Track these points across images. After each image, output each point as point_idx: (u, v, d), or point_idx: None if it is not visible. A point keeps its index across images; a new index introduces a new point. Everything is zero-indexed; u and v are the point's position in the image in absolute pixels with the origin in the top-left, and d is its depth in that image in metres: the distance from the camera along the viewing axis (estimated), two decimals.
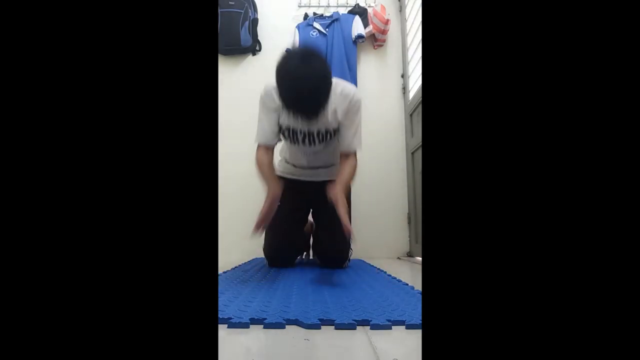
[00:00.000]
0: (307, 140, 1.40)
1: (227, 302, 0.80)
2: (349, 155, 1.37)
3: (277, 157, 1.64)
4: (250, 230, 1.33)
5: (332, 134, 1.40)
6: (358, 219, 1.74)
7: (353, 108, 1.33)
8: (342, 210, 1.18)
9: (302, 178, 1.55)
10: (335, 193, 1.21)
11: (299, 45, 1.18)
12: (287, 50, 1.16)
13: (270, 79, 1.33)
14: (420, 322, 0.65)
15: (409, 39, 2.28)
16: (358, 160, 1.39)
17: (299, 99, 1.09)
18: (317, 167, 1.53)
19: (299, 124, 1.35)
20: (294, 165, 1.55)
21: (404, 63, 2.35)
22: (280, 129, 1.41)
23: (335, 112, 1.33)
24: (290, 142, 1.43)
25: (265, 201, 1.29)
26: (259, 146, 1.40)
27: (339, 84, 1.32)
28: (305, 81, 1.04)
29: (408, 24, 2.28)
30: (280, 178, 1.59)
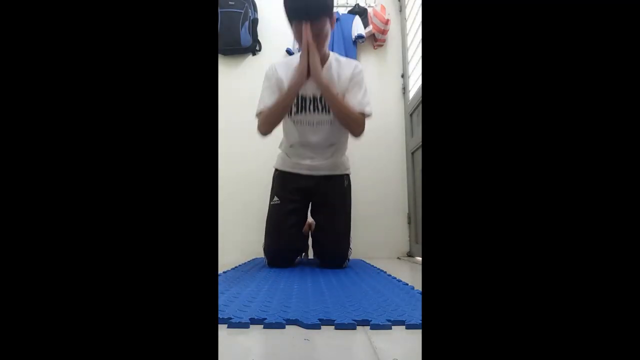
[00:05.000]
0: (312, 106, 1.46)
1: (227, 302, 0.80)
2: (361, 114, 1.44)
3: (277, 151, 1.65)
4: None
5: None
6: (358, 219, 1.74)
7: (357, 74, 1.47)
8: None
9: (302, 172, 1.55)
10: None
11: None
12: None
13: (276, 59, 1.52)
14: (420, 322, 0.65)
15: (409, 39, 2.27)
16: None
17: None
18: (319, 150, 1.53)
19: (306, 89, 1.44)
20: (295, 156, 1.56)
21: (404, 63, 2.35)
22: None
23: (338, 77, 1.45)
24: (297, 111, 1.47)
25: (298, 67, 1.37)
26: (260, 113, 1.46)
27: (340, 56, 1.52)
28: None
29: (408, 24, 2.28)
30: (280, 172, 1.59)
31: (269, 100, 1.43)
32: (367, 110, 1.44)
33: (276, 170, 1.62)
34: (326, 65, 1.45)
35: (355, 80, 1.46)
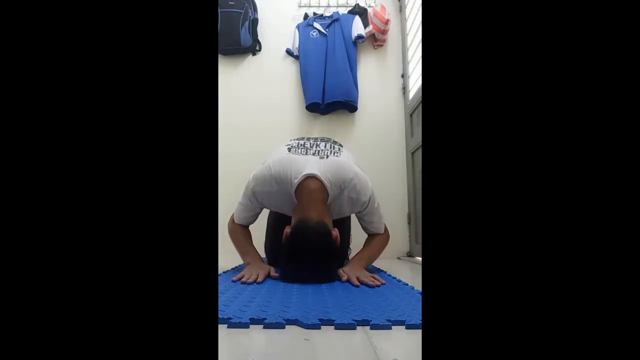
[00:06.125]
0: None
1: (227, 302, 0.80)
2: (378, 233, 1.34)
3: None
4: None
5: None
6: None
7: (366, 208, 1.26)
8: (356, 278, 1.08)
9: None
10: (349, 276, 1.09)
11: (302, 227, 1.09)
12: (295, 230, 1.09)
13: (258, 168, 1.24)
14: (420, 322, 0.65)
15: (409, 39, 2.27)
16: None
17: (302, 275, 1.10)
18: None
19: None
20: None
21: (404, 63, 2.35)
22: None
23: (340, 210, 1.26)
24: None
25: (247, 270, 1.16)
26: (231, 221, 1.37)
27: (346, 184, 1.20)
28: (308, 264, 1.06)
29: (408, 24, 2.28)
30: None
31: (242, 218, 1.35)
32: (382, 229, 1.35)
33: None
34: (330, 199, 1.20)
35: (373, 209, 1.28)
